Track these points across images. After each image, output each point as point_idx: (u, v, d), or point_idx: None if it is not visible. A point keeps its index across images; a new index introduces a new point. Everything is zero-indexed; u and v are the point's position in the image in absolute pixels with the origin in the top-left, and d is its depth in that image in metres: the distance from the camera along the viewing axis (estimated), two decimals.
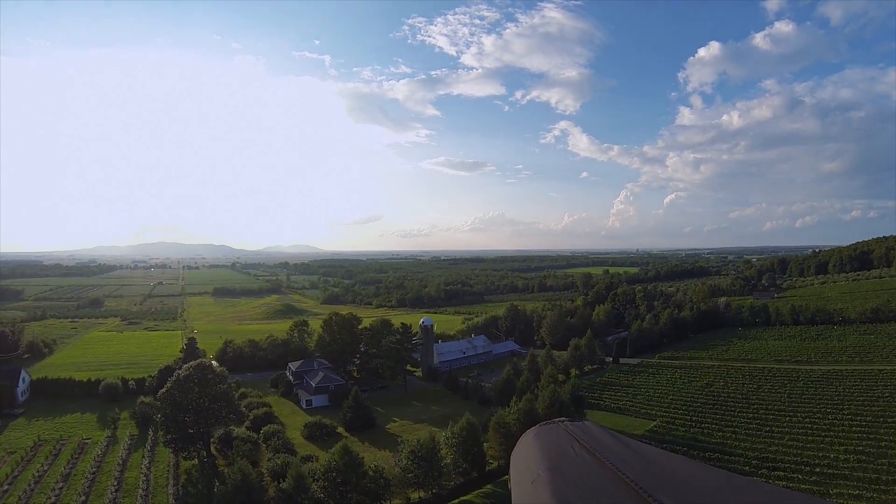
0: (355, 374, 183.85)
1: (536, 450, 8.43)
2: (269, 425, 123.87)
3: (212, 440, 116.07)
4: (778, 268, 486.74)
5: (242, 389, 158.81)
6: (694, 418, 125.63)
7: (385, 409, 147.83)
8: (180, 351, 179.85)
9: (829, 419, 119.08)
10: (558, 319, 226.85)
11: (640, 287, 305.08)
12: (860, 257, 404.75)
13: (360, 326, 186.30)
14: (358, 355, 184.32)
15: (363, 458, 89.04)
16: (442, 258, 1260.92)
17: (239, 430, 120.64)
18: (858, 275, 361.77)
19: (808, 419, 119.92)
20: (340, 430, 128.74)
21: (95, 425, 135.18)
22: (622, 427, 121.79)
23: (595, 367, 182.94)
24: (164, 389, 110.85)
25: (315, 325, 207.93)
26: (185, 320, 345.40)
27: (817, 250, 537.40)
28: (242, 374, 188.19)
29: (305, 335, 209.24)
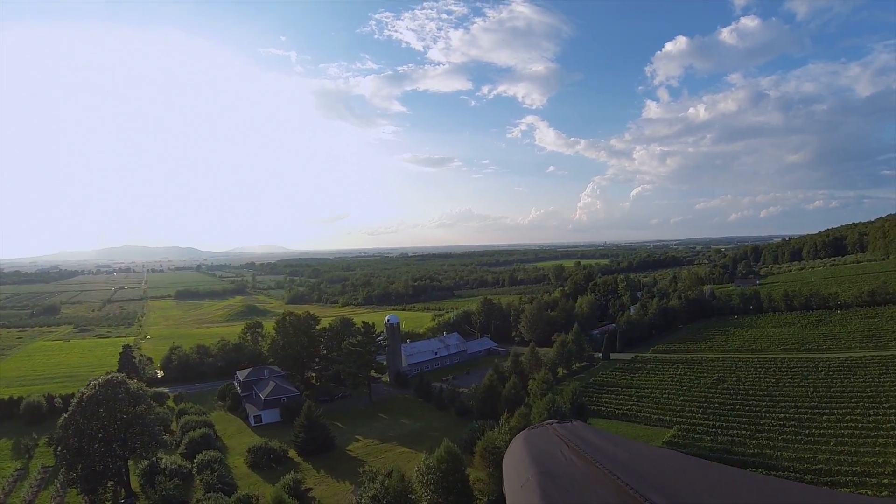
0: (314, 381, 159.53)
1: (525, 455, 6.63)
2: (205, 451, 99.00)
3: (136, 473, 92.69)
4: (751, 256, 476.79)
5: (182, 405, 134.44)
6: (717, 423, 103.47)
7: (347, 423, 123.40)
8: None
9: (871, 416, 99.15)
10: (538, 313, 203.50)
11: (621, 276, 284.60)
12: (833, 243, 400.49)
13: (318, 327, 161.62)
14: (317, 360, 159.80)
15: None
16: (409, 255, 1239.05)
17: (169, 459, 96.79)
18: (835, 260, 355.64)
19: (847, 417, 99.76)
20: (292, 454, 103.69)
21: (9, 454, 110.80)
22: (634, 438, 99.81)
23: (583, 364, 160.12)
24: (66, 414, 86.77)
25: (270, 326, 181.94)
26: (140, 325, 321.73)
27: (787, 238, 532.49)
28: (188, 386, 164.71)
29: (260, 338, 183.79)
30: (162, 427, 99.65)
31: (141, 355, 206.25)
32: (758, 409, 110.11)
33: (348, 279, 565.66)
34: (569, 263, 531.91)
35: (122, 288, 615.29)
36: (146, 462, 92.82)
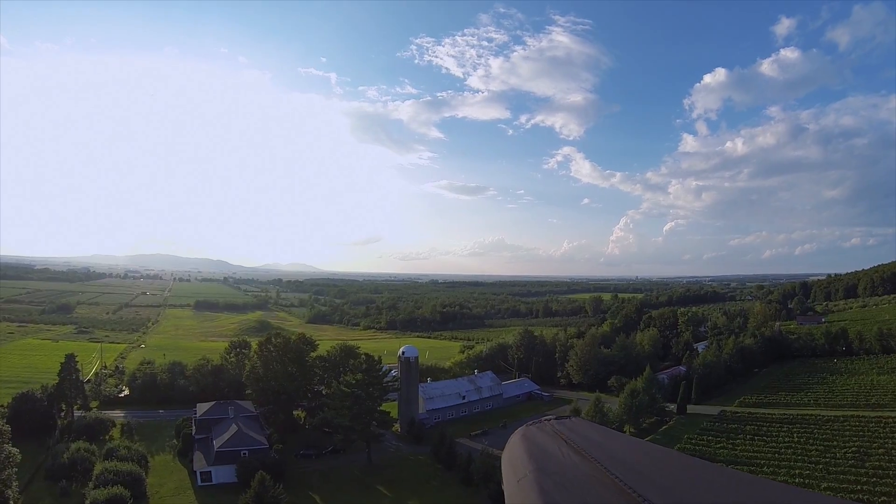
0: (304, 423, 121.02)
1: (524, 451, 5.59)
2: None
3: None
4: (800, 292, 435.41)
5: (115, 442, 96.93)
6: None
7: (328, 499, 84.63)
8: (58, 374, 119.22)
9: None
10: (590, 350, 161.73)
11: (682, 310, 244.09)
12: (892, 279, 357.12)
13: (312, 354, 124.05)
14: (310, 396, 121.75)
15: None
16: (439, 281, 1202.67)
17: None
18: None
19: None
20: None
21: None
22: None
23: (653, 419, 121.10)
24: None
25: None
26: (144, 332, 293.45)
27: (833, 275, 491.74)
28: (151, 412, 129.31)
29: (246, 360, 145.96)
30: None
31: (117, 366, 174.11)
32: None
33: (374, 301, 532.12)
34: (606, 296, 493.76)
35: (145, 293, 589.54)
36: None
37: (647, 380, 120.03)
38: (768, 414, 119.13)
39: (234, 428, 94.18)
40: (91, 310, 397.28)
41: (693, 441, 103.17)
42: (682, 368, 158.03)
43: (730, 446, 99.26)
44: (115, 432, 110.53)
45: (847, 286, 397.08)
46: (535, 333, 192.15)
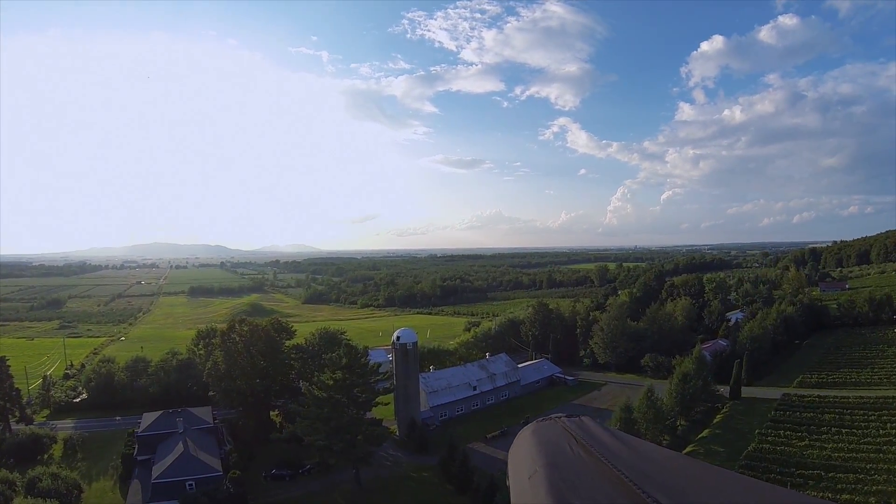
0: (279, 427, 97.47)
1: (534, 447, 5.44)
2: None
3: None
4: (810, 258, 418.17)
5: (37, 470, 72.36)
6: None
7: None
8: None
9: None
10: (618, 324, 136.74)
11: (708, 276, 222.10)
12: None
13: (289, 342, 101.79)
14: (288, 393, 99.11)
15: None
16: (438, 255, 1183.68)
17: None
18: None
19: None
20: None
21: None
22: None
23: (705, 407, 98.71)
24: None
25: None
26: (131, 323, 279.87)
27: (837, 242, 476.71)
28: (108, 419, 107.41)
29: (217, 351, 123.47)
30: None
31: (83, 365, 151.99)
32: None
33: (372, 279, 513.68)
34: (611, 265, 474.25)
35: (140, 283, 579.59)
36: None
37: (699, 360, 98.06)
38: (842, 398, 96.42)
39: (179, 449, 71.13)
40: (82, 303, 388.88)
41: (770, 439, 79.65)
42: (723, 343, 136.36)
43: (817, 444, 76.35)
44: (57, 449, 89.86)
45: (859, 252, 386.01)
46: (550, 306, 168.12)
